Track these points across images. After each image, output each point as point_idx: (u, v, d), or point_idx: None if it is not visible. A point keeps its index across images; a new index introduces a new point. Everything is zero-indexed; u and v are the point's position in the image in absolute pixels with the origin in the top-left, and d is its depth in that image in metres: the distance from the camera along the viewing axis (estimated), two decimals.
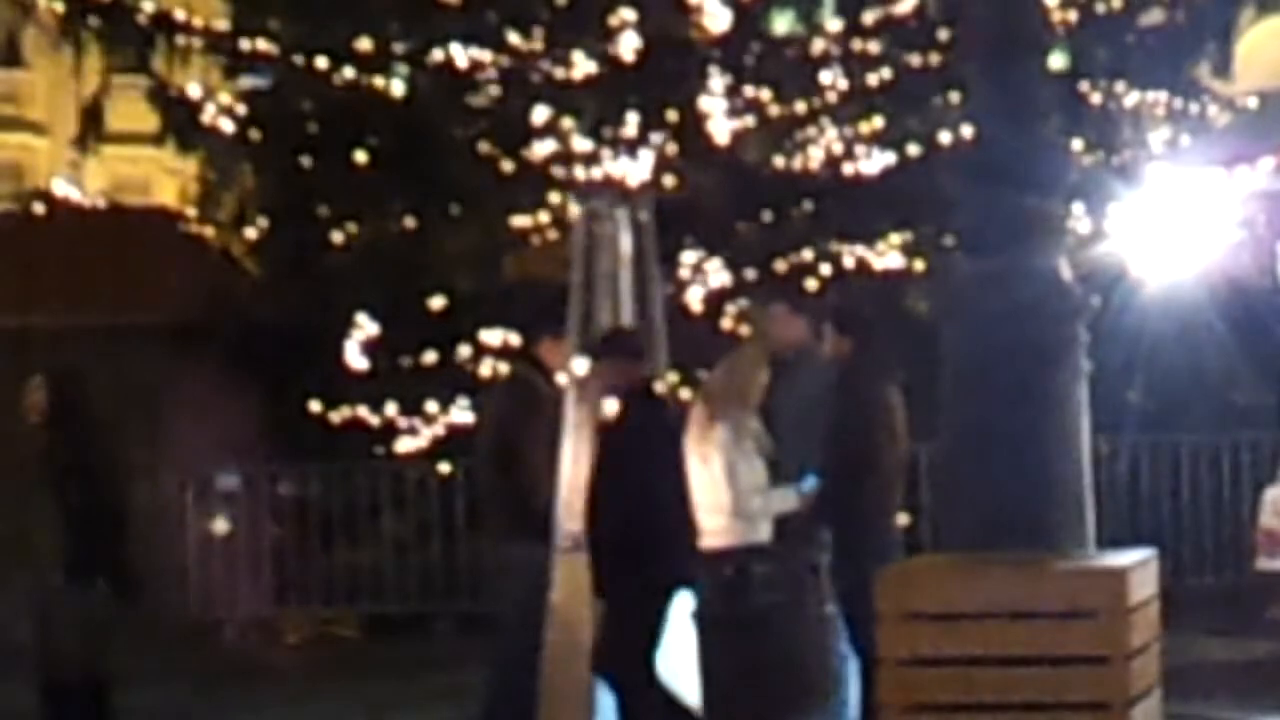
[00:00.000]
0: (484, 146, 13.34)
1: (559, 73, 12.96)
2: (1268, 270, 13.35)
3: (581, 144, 13.11)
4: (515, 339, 11.43)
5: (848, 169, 13.57)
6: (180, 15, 13.82)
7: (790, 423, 7.98)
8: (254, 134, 13.75)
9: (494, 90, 13.48)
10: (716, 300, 13.04)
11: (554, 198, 12.90)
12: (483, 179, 13.38)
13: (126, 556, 7.92)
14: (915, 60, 13.28)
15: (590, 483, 7.14)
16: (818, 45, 13.65)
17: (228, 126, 13.71)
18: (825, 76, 13.51)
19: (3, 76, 28.46)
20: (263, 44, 13.54)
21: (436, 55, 13.20)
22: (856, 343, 8.21)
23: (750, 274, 13.10)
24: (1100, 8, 13.61)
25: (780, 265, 13.04)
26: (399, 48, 13.41)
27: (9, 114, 27.82)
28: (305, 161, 13.71)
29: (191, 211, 15.71)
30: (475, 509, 11.25)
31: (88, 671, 7.76)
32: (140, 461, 11.84)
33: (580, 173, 12.98)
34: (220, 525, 11.58)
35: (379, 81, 13.51)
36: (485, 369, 12.61)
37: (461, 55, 13.20)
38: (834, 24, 13.71)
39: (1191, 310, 12.99)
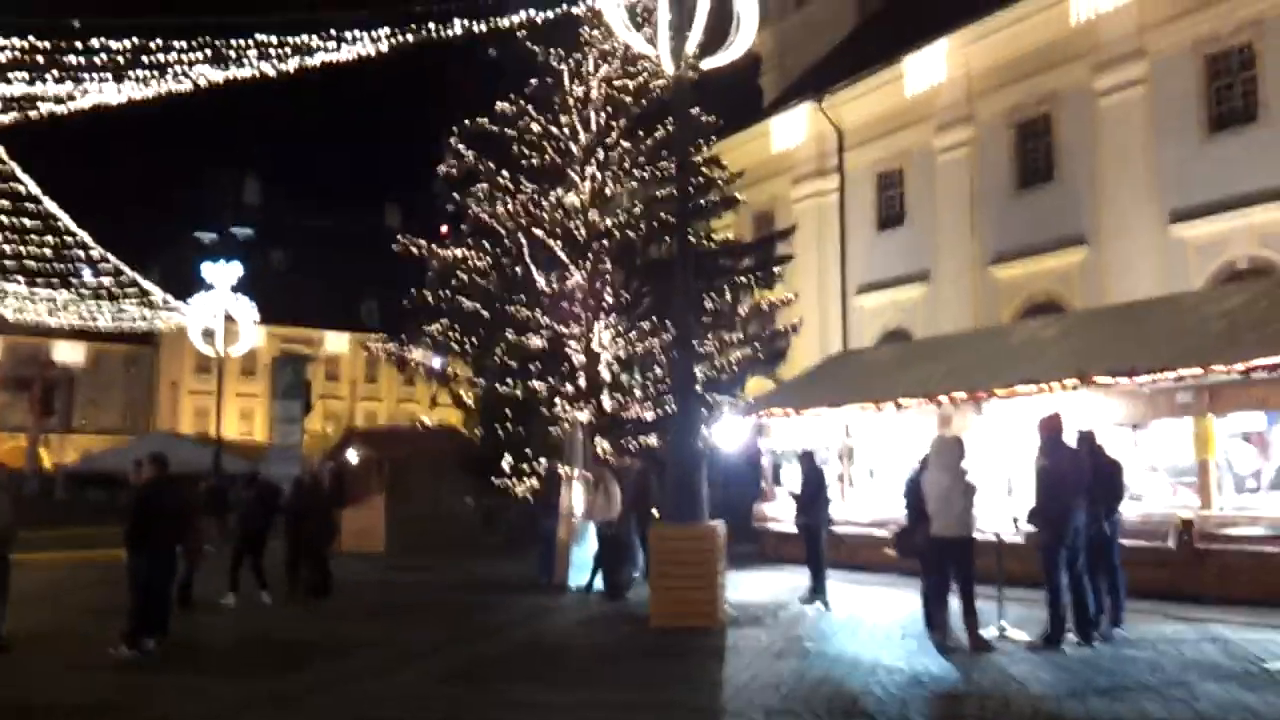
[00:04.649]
0: (542, 409, 24.88)
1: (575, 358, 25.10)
2: (754, 449, 24.39)
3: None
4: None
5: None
6: (451, 371, 26.72)
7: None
8: (478, 402, 26.22)
9: (540, 385, 24.55)
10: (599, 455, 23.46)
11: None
12: (542, 416, 25.00)
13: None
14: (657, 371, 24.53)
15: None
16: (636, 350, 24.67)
17: (468, 400, 26.32)
18: (637, 371, 25.26)
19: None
20: (481, 380, 25.97)
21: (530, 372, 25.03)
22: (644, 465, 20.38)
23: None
24: (718, 361, 25.70)
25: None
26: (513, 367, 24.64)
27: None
28: (494, 409, 25.55)
29: (458, 425, 32.84)
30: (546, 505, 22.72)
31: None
32: (442, 490, 31.54)
33: (568, 407, 24.30)
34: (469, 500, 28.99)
35: (520, 391, 24.80)
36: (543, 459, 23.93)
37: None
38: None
39: (733, 458, 25.24)
